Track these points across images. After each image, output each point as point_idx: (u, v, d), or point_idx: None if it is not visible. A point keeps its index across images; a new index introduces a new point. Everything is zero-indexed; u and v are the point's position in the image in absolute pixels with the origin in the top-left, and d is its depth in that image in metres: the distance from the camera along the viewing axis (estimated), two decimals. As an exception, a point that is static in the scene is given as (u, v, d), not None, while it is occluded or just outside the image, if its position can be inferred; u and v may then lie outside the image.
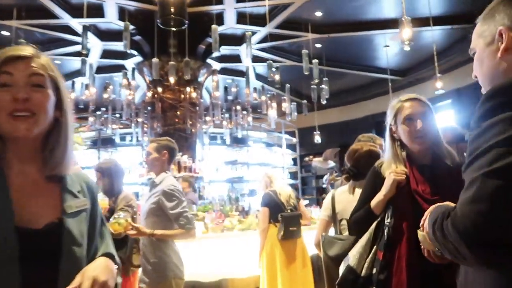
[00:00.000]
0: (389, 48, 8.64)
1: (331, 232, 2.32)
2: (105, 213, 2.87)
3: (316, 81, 6.02)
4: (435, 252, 1.20)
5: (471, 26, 1.06)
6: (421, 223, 1.13)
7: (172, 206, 2.51)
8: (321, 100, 7.47)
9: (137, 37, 6.61)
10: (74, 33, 6.61)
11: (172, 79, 5.37)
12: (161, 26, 4.21)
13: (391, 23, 7.13)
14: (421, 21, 6.53)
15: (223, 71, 8.69)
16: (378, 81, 10.40)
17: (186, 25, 4.23)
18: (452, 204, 1.03)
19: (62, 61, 7.85)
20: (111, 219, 2.55)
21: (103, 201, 2.95)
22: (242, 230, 4.14)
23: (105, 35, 6.92)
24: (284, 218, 3.76)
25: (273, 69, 5.77)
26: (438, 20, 6.77)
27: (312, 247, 3.99)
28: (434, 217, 0.91)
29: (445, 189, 1.48)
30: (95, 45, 7.08)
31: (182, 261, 2.61)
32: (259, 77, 9.36)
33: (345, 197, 2.23)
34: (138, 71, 6.94)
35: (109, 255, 1.04)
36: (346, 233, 2.14)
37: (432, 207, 1.06)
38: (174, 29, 4.26)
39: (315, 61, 6.04)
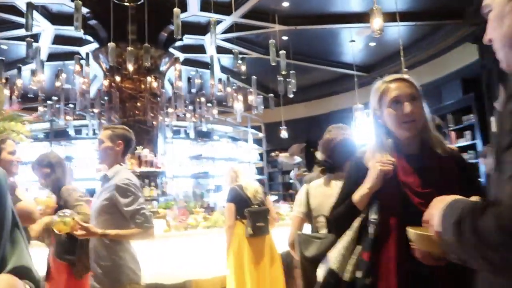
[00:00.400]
0: (354, 43, 8.66)
1: (306, 229, 2.13)
2: (53, 213, 2.53)
3: (284, 72, 5.83)
4: (434, 254, 1.03)
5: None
6: (424, 218, 0.94)
7: (127, 202, 2.22)
8: (288, 93, 7.31)
9: (93, 22, 6.13)
10: (22, 14, 6.02)
11: (130, 67, 4.99)
12: (115, 0, 3.81)
13: (358, 17, 7.11)
14: (387, 16, 6.53)
15: (187, 62, 8.33)
16: (343, 76, 10.43)
17: (142, 0, 3.85)
18: (465, 198, 0.85)
19: (9, 46, 7.19)
20: (55, 217, 2.23)
21: (50, 199, 2.61)
22: (207, 227, 3.89)
23: (57, 18, 6.37)
24: (251, 214, 3.56)
25: (239, 61, 5.53)
26: (403, 16, 6.81)
27: (281, 245, 3.82)
28: (456, 214, 0.72)
29: (437, 180, 1.33)
30: (46, 29, 6.51)
31: (139, 265, 2.34)
32: (224, 69, 9.09)
33: (321, 191, 2.04)
34: (94, 58, 6.46)
35: (21, 269, 0.77)
36: (323, 230, 1.96)
37: (439, 202, 0.87)
38: (128, 4, 3.88)
39: (282, 52, 5.86)
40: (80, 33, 6.66)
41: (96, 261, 2.25)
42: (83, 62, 5.99)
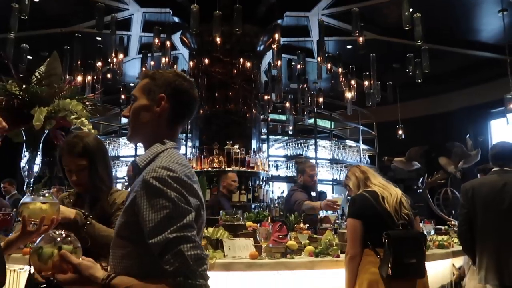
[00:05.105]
0: (506, 14, 6.59)
1: None
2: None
3: (419, 42, 4.20)
4: None
5: None
6: None
7: (154, 222, 1.01)
8: (417, 79, 5.68)
9: (181, -2, 5.33)
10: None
11: (217, 38, 3.96)
12: None
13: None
14: None
15: (286, 49, 7.16)
16: (479, 63, 8.33)
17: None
18: None
19: (103, 37, 6.83)
20: (36, 243, 1.11)
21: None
22: (316, 255, 2.54)
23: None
24: (393, 240, 2.13)
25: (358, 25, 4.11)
26: None
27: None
28: None
29: None
30: (135, 12, 5.93)
31: None
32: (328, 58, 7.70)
33: None
34: (182, 43, 5.66)
35: None
36: None
37: None
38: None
39: (417, 15, 4.23)
40: (169, 17, 5.99)
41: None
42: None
